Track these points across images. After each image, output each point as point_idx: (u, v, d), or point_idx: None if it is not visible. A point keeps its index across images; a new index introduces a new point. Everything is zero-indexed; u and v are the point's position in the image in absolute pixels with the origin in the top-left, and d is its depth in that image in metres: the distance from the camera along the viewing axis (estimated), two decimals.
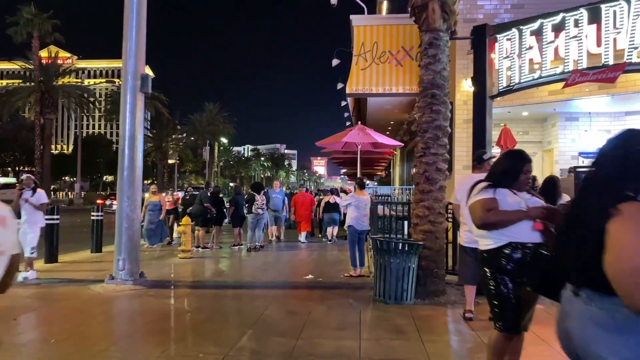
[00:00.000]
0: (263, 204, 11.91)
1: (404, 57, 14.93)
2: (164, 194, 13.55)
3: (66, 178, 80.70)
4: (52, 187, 77.08)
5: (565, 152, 13.56)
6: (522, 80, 6.61)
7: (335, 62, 17.56)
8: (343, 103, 29.30)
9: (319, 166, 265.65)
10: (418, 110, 7.06)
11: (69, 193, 58.41)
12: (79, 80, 39.32)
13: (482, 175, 5.41)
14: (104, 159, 76.04)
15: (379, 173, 39.19)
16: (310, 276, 8.38)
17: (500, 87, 6.94)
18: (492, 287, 3.34)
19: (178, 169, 63.27)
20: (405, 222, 8.98)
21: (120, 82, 7.92)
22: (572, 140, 13.56)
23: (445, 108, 6.85)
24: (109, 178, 51.55)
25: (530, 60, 6.52)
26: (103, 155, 76.20)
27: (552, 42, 6.33)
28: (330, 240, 14.00)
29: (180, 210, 13.52)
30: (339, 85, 21.96)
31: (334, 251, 12.19)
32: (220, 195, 13.84)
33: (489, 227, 3.32)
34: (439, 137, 6.78)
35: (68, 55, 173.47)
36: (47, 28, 33.46)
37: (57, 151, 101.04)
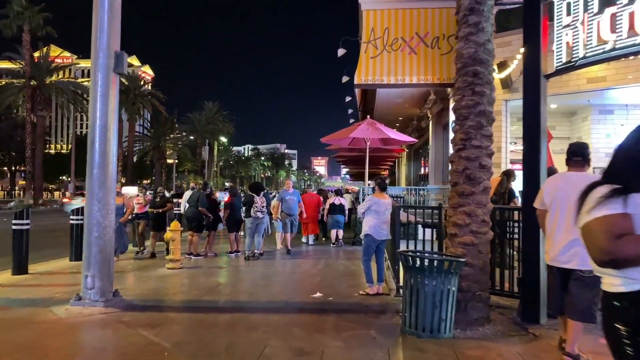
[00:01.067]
0: (263, 207, 10.55)
1: (418, 44, 13.55)
2: (136, 195, 12.11)
3: (64, 177, 79.39)
4: (51, 187, 75.91)
5: (599, 149, 12.17)
6: (587, 54, 5.24)
7: (340, 52, 16.18)
8: (347, 99, 27.95)
9: (319, 166, 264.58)
10: (455, 93, 5.69)
11: (67, 193, 56.99)
12: (72, 77, 37.69)
13: (585, 175, 4.00)
14: None
15: (383, 173, 37.83)
16: (318, 294, 7.02)
17: (557, 64, 5.57)
18: (631, 354, 1.97)
19: (176, 169, 61.89)
20: (426, 229, 7.63)
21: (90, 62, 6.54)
22: (607, 135, 12.20)
23: (490, 89, 5.49)
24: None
25: (599, 28, 5.14)
26: None
27: (629, 4, 4.96)
28: (334, 244, 13.17)
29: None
30: (344, 79, 20.62)
31: (342, 259, 10.83)
32: (216, 197, 12.43)
33: (620, 264, 1.95)
34: (482, 126, 5.42)
35: (68, 54, 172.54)
36: (39, 21, 32.09)
37: (55, 150, 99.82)
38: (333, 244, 13.16)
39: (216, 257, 11.27)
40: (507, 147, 11.22)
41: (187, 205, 11.16)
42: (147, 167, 59.64)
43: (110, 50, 6.45)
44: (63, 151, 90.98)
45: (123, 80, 47.73)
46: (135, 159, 65.24)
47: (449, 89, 14.08)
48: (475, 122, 5.40)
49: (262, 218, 10.59)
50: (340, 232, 13.50)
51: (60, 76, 38.63)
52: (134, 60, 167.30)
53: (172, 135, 57.15)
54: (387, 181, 7.44)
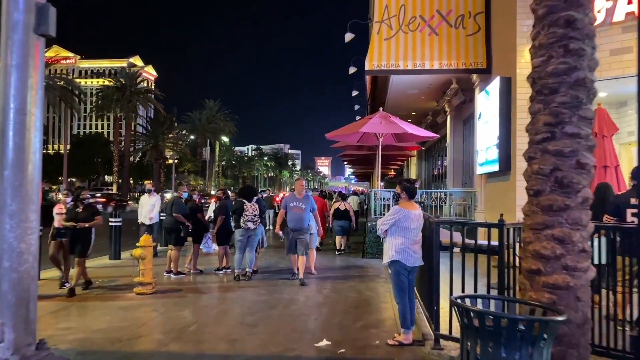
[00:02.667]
0: (255, 216, 8.65)
1: (440, 24, 11.63)
2: (60, 195, 9.43)
3: (61, 178, 77.84)
4: (54, 187, 74.26)
5: None
6: None
7: (348, 36, 14.27)
8: (354, 93, 26.01)
9: (323, 166, 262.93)
10: (535, 54, 3.80)
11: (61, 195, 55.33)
12: (64, 73, 35.83)
13: None
14: (102, 158, 73.12)
15: (390, 174, 35.87)
16: (325, 342, 5.12)
17: None
18: None
19: (176, 169, 60.09)
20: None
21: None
22: None
23: (591, 47, 3.56)
24: (111, 178, 48.56)
25: None
26: (101, 154, 73.30)
27: None
28: (339, 251, 12.43)
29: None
30: (351, 70, 18.68)
31: (353, 279, 8.92)
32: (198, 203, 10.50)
33: None
34: (580, 103, 3.51)
35: (71, 54, 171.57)
36: None
37: (53, 151, 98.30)
38: (337, 251, 12.44)
39: (201, 274, 9.41)
40: None
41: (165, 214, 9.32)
42: (149, 167, 57.75)
43: (30, 2, 4.54)
44: (61, 152, 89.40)
45: (120, 77, 46.12)
46: (135, 159, 63.60)
47: (474, 77, 12.13)
48: (570, 97, 3.48)
49: (254, 229, 8.69)
50: (344, 239, 12.70)
51: (51, 73, 36.79)
52: (137, 61, 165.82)
53: (171, 135, 55.33)
54: (391, 182, 5.51)
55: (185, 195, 9.64)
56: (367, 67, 11.60)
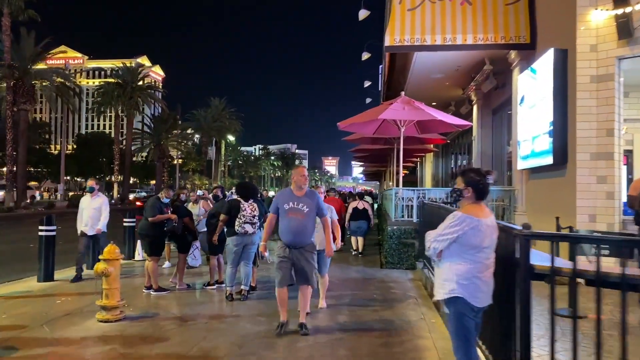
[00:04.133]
0: (254, 217, 6.90)
1: None
2: None
3: (67, 178, 76.62)
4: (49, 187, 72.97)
5: None
6: None
7: (363, 14, 12.51)
8: (366, 84, 24.25)
9: (330, 166, 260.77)
10: None
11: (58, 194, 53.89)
12: (63, 67, 34.25)
13: None
14: (106, 158, 71.66)
15: (403, 172, 33.91)
16: None
17: None
18: None
19: (180, 168, 58.55)
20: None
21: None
22: None
23: None
24: (119, 177, 47.14)
25: None
26: (105, 154, 71.83)
27: None
28: (354, 252, 11.88)
29: None
30: (364, 56, 16.94)
31: (373, 303, 7.16)
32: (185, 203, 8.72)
33: None
34: None
35: (79, 55, 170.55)
36: (19, 4, 28.76)
37: (57, 150, 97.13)
38: (353, 252, 11.88)
39: (188, 290, 7.72)
40: (621, 130, 7.47)
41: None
42: (154, 167, 56.13)
43: None
44: (66, 151, 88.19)
45: (120, 73, 44.44)
46: (138, 158, 62.12)
47: (512, 55, 10.30)
48: None
49: (253, 234, 6.94)
50: (361, 240, 12.00)
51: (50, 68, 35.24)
52: (144, 61, 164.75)
53: (175, 132, 53.73)
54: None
55: (166, 201, 7.83)
56: (386, 43, 9.83)
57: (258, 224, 6.94)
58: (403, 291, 7.78)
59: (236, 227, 6.77)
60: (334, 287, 7.77)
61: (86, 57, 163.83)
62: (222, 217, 6.98)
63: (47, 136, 73.92)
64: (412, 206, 10.36)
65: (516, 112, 9.99)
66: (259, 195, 8.10)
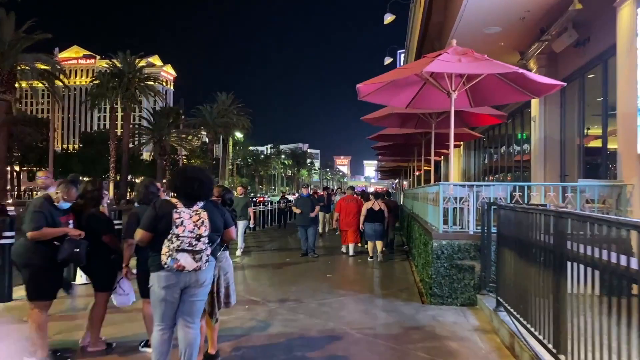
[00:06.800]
0: (200, 239, 3.48)
1: None
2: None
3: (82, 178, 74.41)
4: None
5: None
6: None
7: (388, 17, 9.59)
8: (387, 61, 20.84)
9: (342, 165, 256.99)
10: None
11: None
12: (51, 55, 31.28)
13: None
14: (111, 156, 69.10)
15: (424, 168, 30.20)
16: None
17: None
18: None
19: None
20: None
21: None
22: None
23: None
24: (117, 176, 44.46)
25: None
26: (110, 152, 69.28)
27: None
28: (372, 258, 10.75)
29: None
30: (387, 18, 13.63)
31: (413, 354, 3.77)
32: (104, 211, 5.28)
33: None
34: None
35: (91, 54, 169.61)
36: None
37: (61, 149, 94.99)
38: (371, 257, 10.76)
39: (109, 355, 4.47)
40: None
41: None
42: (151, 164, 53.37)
43: None
44: (70, 150, 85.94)
45: (116, 62, 41.36)
46: (137, 154, 59.17)
47: None
48: None
49: (200, 272, 3.58)
50: (380, 244, 10.75)
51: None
52: (155, 60, 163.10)
53: (180, 127, 50.70)
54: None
55: (63, 205, 4.51)
56: None
57: (208, 251, 3.57)
58: (469, 352, 4.41)
59: (163, 257, 3.43)
60: (354, 350, 4.38)
61: (98, 57, 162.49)
62: (138, 234, 3.63)
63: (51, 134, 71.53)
64: (466, 210, 6.96)
65: (634, 63, 6.50)
66: (221, 196, 4.74)
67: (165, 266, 3.40)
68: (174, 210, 3.47)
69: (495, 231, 6.24)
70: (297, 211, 11.50)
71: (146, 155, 73.90)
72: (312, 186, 12.48)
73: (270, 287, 7.74)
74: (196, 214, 3.47)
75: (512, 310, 5.00)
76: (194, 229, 3.42)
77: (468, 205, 6.92)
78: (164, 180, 48.48)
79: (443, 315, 6.05)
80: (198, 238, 3.42)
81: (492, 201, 6.67)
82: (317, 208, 11.63)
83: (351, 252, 11.32)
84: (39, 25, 28.62)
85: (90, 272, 4.80)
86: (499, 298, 5.57)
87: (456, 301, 6.60)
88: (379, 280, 8.58)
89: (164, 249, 3.39)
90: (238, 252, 11.17)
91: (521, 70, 5.99)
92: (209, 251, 3.51)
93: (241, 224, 11.27)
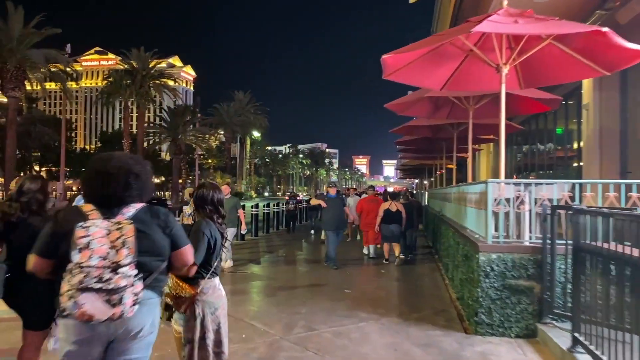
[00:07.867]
0: (116, 270, 2.07)
1: None
2: None
3: None
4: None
5: None
6: None
7: None
8: None
9: (361, 165, 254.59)
10: None
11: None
12: (63, 51, 30.50)
13: None
14: None
15: (450, 166, 28.51)
16: None
17: None
18: None
19: (199, 166, 54.68)
20: None
21: None
22: None
23: None
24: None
25: None
26: (130, 152, 69.08)
27: None
28: (387, 260, 10.23)
29: None
30: None
31: None
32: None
33: None
34: None
35: (112, 56, 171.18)
36: None
37: (80, 149, 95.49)
38: (386, 260, 10.32)
39: None
40: None
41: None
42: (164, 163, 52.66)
43: None
44: (89, 150, 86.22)
45: (132, 63, 40.45)
46: (152, 152, 58.50)
47: None
48: None
49: (128, 319, 2.24)
50: (397, 247, 10.28)
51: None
52: (176, 61, 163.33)
53: (196, 126, 49.76)
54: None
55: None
56: None
57: (137, 288, 2.19)
58: None
59: (63, 299, 2.09)
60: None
61: (118, 58, 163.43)
62: (30, 262, 2.30)
63: (69, 134, 71.86)
64: (513, 214, 5.50)
65: None
66: (201, 195, 3.43)
67: (65, 313, 2.07)
68: (78, 225, 2.12)
69: (563, 242, 4.83)
70: (324, 207, 10.09)
71: (165, 155, 73.55)
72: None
73: (276, 306, 6.40)
74: (117, 229, 2.12)
75: (600, 356, 3.57)
76: (107, 253, 2.07)
77: (523, 208, 5.47)
78: (180, 180, 47.74)
79: (496, 353, 4.63)
80: (115, 269, 2.08)
81: (556, 203, 5.23)
82: (347, 208, 10.70)
83: (372, 254, 11.01)
84: (61, 30, 28.15)
85: (17, 305, 3.49)
86: (576, 335, 4.13)
87: (509, 331, 5.16)
88: (407, 298, 7.18)
89: (64, 286, 2.06)
90: (229, 263, 9.43)
91: (604, 29, 4.52)
92: (139, 287, 2.16)
93: (230, 232, 9.32)
